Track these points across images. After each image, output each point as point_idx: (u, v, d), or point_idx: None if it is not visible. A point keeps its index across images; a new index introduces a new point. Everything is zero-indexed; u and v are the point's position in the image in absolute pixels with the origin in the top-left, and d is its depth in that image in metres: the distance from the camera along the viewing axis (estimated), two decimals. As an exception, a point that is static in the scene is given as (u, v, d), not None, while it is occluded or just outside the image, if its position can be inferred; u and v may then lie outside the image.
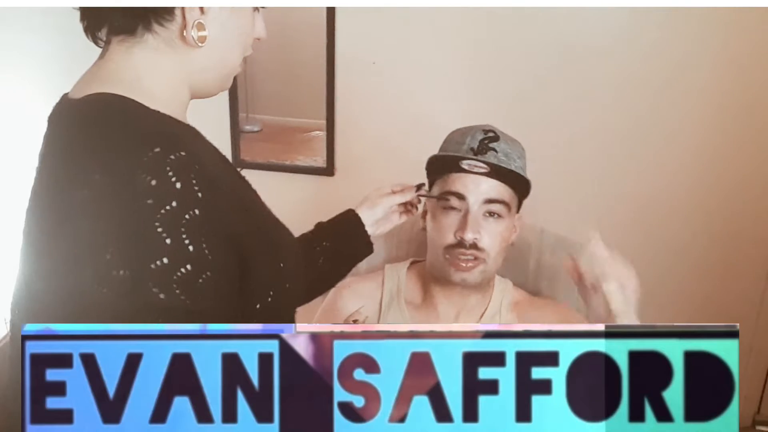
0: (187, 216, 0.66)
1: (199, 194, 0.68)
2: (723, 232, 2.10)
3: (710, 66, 1.95)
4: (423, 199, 1.19)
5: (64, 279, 0.69)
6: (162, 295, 0.66)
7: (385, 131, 2.12)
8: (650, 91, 1.99)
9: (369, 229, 1.15)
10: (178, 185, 0.66)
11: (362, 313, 1.05)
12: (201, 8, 0.75)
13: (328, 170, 2.18)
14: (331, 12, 2.01)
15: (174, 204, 0.66)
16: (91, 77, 0.77)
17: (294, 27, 2.17)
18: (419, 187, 1.18)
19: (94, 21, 0.77)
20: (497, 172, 1.12)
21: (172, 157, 0.67)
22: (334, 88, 2.08)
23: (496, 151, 1.13)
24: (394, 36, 2.04)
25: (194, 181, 0.67)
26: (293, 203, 2.21)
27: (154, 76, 0.77)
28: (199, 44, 0.76)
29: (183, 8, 0.74)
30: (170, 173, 0.66)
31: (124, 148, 0.68)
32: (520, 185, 1.17)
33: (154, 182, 0.65)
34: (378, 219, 1.16)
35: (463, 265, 1.14)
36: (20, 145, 2.26)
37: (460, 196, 1.13)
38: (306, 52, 2.14)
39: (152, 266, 0.65)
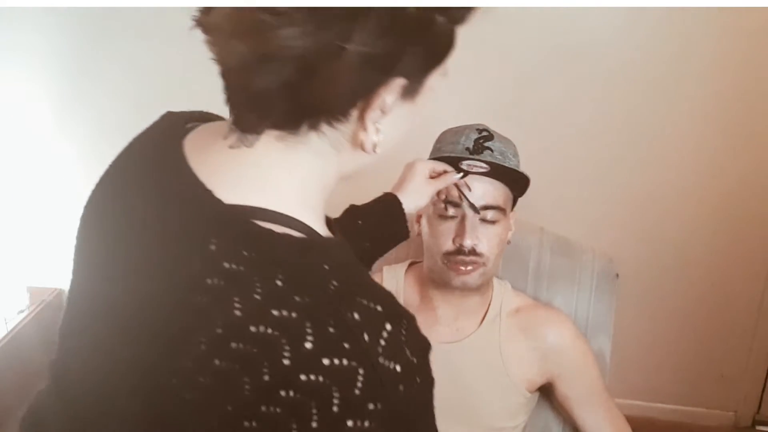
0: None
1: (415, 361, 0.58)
2: (723, 232, 2.10)
3: (708, 65, 1.94)
4: None
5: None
6: None
7: (385, 131, 2.11)
8: (649, 90, 1.98)
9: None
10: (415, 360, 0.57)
11: None
12: (382, 109, 0.61)
13: (328, 170, 2.17)
14: (330, 12, 2.00)
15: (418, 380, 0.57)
16: (240, 175, 0.62)
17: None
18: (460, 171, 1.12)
19: (254, 120, 0.60)
20: (497, 171, 1.12)
21: (404, 332, 0.57)
22: (334, 87, 2.07)
23: (491, 150, 1.12)
24: (393, 36, 2.03)
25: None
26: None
27: (312, 183, 0.64)
28: (376, 151, 0.64)
29: (363, 110, 0.61)
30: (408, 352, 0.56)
31: (343, 313, 0.55)
32: (518, 183, 1.16)
33: (398, 368, 0.55)
34: (420, 208, 1.11)
35: (463, 269, 1.14)
36: (21, 144, 2.26)
37: (456, 204, 1.13)
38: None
39: None
